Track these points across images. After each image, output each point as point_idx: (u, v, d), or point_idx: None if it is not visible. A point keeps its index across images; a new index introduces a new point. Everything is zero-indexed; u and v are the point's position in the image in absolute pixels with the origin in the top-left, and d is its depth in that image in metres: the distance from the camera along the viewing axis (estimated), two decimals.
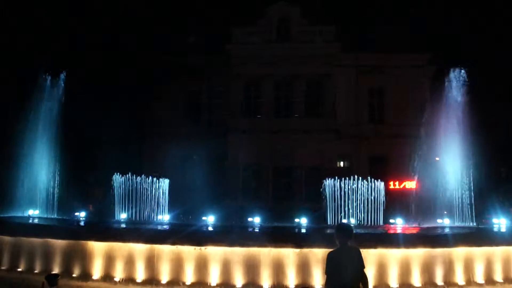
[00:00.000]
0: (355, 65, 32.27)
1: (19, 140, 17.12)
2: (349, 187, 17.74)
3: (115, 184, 17.91)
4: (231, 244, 10.56)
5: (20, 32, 29.85)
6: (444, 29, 37.06)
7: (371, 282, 10.35)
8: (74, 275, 10.98)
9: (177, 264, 10.60)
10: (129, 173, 18.06)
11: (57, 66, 18.81)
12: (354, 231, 6.35)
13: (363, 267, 6.02)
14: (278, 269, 10.36)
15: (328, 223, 17.04)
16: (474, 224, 16.32)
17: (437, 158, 17.92)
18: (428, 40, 32.21)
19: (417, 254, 10.67)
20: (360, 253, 6.06)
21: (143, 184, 17.99)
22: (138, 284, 10.57)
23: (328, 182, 18.27)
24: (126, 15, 31.89)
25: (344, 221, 17.43)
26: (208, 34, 32.24)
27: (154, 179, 18.18)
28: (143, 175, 18.18)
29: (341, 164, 32.15)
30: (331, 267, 5.98)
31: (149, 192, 17.98)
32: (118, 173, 18.09)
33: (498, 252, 11.20)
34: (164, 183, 18.50)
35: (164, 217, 17.93)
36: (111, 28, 30.49)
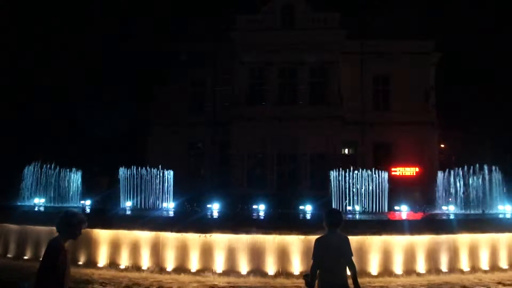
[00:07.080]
0: (360, 52, 31.94)
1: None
2: (354, 174, 17.73)
3: (120, 173, 17.96)
4: (236, 231, 10.58)
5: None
6: (449, 15, 36.53)
7: (376, 269, 10.39)
8: (79, 263, 11.06)
9: (182, 252, 10.65)
10: (133, 162, 18.08)
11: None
12: (343, 219, 6.25)
13: (351, 255, 6.01)
14: (283, 256, 10.38)
15: None
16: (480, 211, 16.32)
17: (442, 146, 17.88)
18: (434, 26, 31.83)
19: (422, 241, 10.67)
20: (348, 242, 6.02)
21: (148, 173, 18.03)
22: (143, 271, 10.64)
23: (333, 169, 18.25)
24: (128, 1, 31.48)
25: (353, 207, 17.48)
26: (212, 21, 31.99)
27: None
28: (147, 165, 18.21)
29: (346, 151, 32.08)
30: (318, 252, 5.98)
31: (154, 181, 18.03)
32: (122, 164, 18.12)
33: (503, 239, 11.20)
34: (169, 171, 18.53)
35: (169, 205, 18.00)
36: (111, 14, 30.14)
